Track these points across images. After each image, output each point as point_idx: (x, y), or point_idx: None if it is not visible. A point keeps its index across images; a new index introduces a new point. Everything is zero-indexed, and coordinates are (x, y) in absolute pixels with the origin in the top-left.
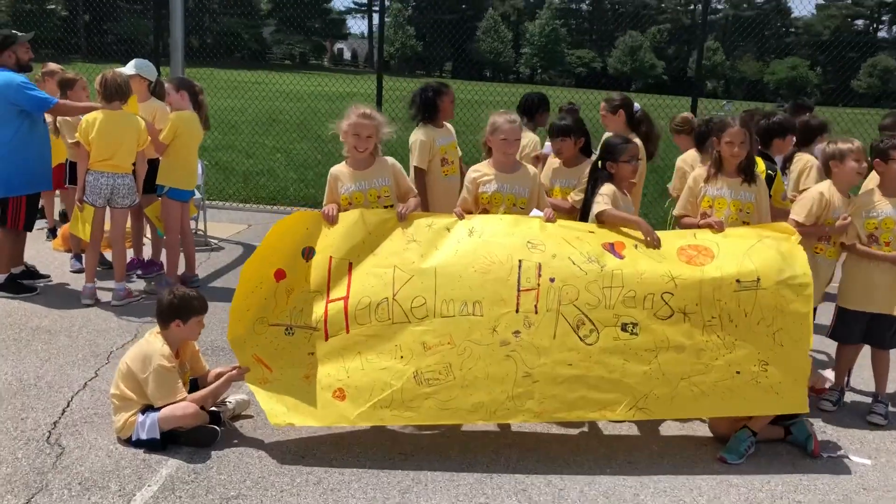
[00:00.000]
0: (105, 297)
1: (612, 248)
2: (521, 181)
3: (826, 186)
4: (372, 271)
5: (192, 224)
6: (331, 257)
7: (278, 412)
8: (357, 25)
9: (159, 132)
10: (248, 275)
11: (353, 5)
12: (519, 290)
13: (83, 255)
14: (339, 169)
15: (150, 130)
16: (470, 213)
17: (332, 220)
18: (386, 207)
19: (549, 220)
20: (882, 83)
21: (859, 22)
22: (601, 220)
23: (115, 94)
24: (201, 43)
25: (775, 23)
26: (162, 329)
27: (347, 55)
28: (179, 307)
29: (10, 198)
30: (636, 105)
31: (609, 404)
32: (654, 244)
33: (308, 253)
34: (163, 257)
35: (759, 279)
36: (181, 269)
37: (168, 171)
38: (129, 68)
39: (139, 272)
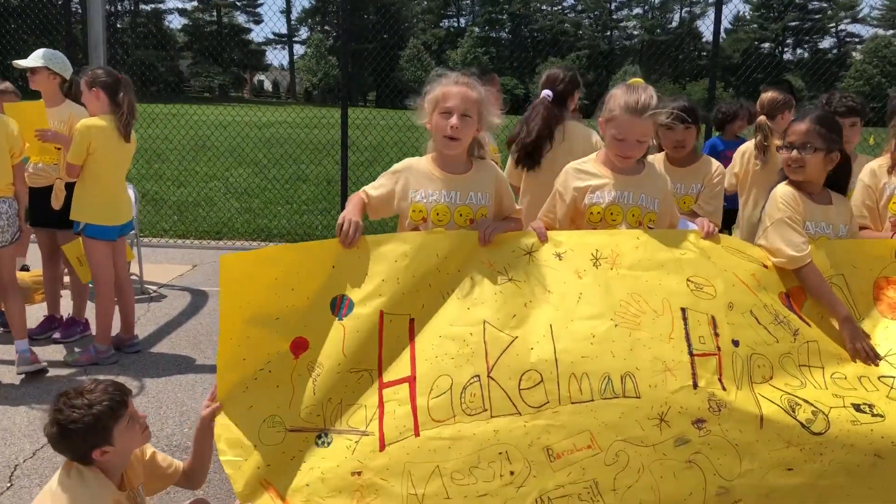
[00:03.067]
0: (5, 376)
1: (787, 299)
2: (648, 186)
3: None
4: (449, 332)
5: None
6: (382, 312)
7: None
8: (277, 57)
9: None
10: (235, 345)
11: (272, 37)
12: (692, 355)
13: None
14: (419, 163)
15: (64, 144)
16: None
17: (348, 243)
18: None
19: (708, 233)
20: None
21: (766, 45)
22: (796, 274)
23: None
24: None
25: (688, 46)
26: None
27: (268, 86)
28: (93, 427)
29: None
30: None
31: None
32: (869, 357)
33: (342, 306)
34: (90, 314)
35: None
36: (115, 330)
37: (83, 202)
38: (33, 59)
39: (56, 335)
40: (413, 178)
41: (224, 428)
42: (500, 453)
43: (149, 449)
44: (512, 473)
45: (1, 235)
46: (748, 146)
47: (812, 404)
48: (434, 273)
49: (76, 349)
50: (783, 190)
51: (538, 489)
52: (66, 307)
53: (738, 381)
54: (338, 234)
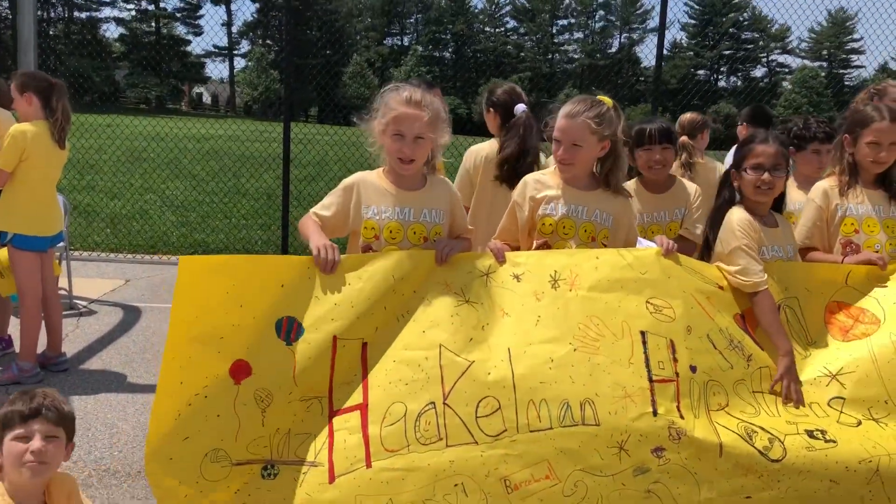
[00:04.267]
0: None
1: (742, 320)
2: (602, 202)
3: None
4: (404, 356)
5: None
6: (335, 337)
7: None
8: (217, 70)
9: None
10: (177, 366)
11: (213, 49)
12: (651, 381)
13: None
14: (370, 178)
15: None
16: (516, 248)
17: (329, 269)
18: None
19: (668, 251)
20: (725, 128)
21: (701, 72)
22: (751, 299)
23: None
24: None
25: (626, 71)
26: None
27: (207, 99)
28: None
29: None
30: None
31: None
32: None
33: (289, 329)
34: (13, 330)
35: None
36: (41, 347)
37: (11, 210)
38: None
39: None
40: (365, 193)
41: (158, 464)
42: (455, 485)
43: (76, 490)
44: None
45: None
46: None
47: (768, 431)
48: (389, 294)
49: None
50: (739, 216)
51: None
52: None
53: (696, 408)
54: (316, 263)
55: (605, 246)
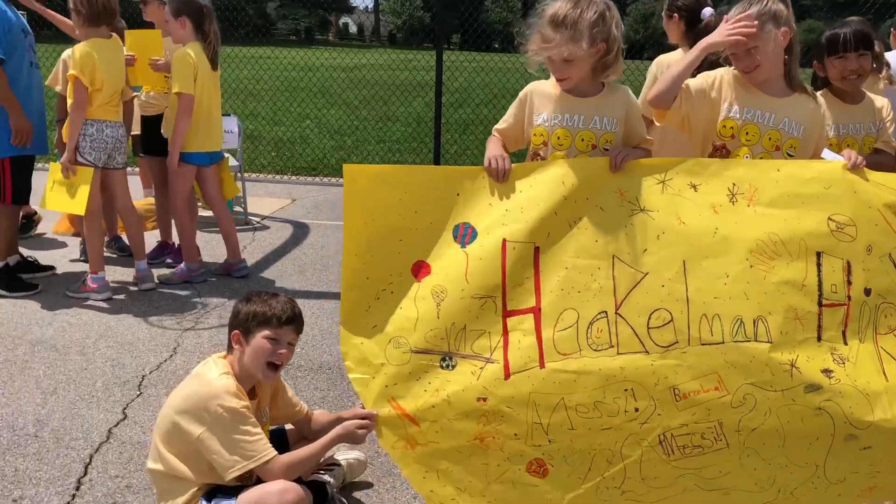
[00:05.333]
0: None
1: None
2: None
3: None
4: (576, 264)
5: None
6: (504, 240)
7: (443, 496)
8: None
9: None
10: (359, 263)
11: None
12: (821, 305)
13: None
14: (542, 86)
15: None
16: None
17: (500, 177)
18: None
19: (855, 165)
20: None
21: None
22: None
23: (104, 15)
24: None
25: None
26: (228, 352)
27: (353, 29)
28: (254, 316)
29: None
30: (707, 10)
31: None
32: None
33: (464, 234)
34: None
35: None
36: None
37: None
38: None
39: (169, 259)
40: (537, 101)
41: (351, 346)
42: (625, 390)
43: (283, 382)
44: (637, 410)
45: (121, 158)
46: None
47: None
48: (560, 201)
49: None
50: None
51: (662, 427)
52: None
53: (862, 333)
54: (488, 172)
55: (791, 157)
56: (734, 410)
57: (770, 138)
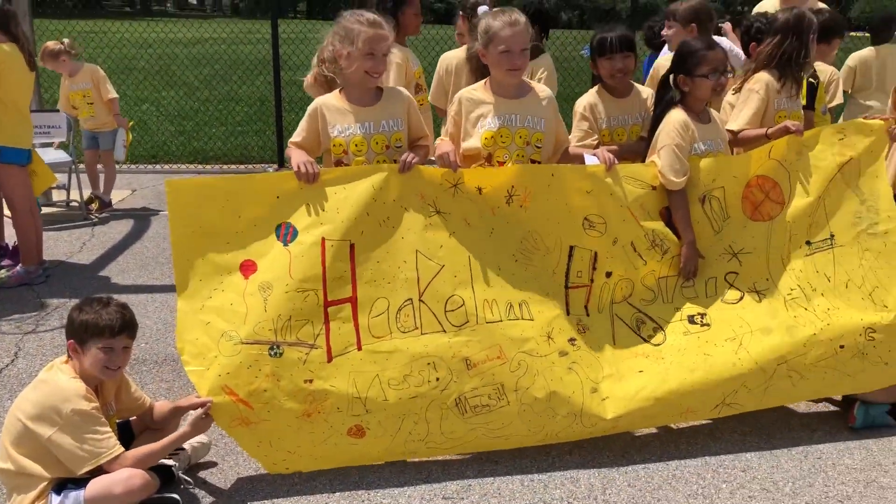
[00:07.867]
0: None
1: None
2: (532, 108)
3: None
4: (386, 259)
5: (60, 194)
6: (323, 238)
7: (276, 459)
8: None
9: None
10: (189, 267)
11: None
12: (567, 288)
13: None
14: (330, 101)
15: None
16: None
17: (310, 179)
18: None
19: (611, 165)
20: None
21: None
22: (668, 194)
23: None
24: None
25: None
26: (69, 358)
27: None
28: (86, 328)
29: None
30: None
31: (692, 406)
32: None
33: (286, 233)
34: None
35: (832, 236)
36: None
37: None
38: None
39: (4, 262)
40: (329, 116)
41: (186, 342)
42: (428, 363)
43: (123, 376)
44: (438, 379)
45: None
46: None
47: (654, 321)
48: (371, 203)
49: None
50: (677, 117)
51: (458, 391)
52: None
53: (601, 307)
54: (298, 178)
55: (539, 150)
56: (512, 374)
57: (521, 136)
